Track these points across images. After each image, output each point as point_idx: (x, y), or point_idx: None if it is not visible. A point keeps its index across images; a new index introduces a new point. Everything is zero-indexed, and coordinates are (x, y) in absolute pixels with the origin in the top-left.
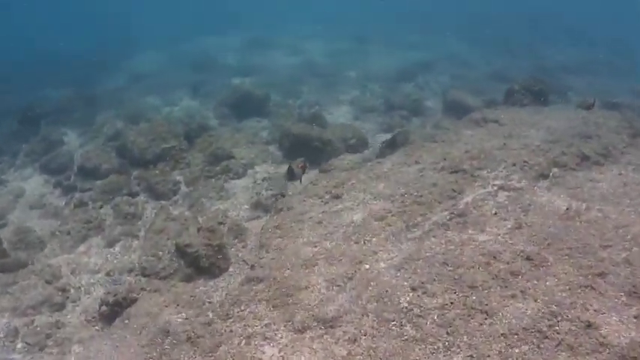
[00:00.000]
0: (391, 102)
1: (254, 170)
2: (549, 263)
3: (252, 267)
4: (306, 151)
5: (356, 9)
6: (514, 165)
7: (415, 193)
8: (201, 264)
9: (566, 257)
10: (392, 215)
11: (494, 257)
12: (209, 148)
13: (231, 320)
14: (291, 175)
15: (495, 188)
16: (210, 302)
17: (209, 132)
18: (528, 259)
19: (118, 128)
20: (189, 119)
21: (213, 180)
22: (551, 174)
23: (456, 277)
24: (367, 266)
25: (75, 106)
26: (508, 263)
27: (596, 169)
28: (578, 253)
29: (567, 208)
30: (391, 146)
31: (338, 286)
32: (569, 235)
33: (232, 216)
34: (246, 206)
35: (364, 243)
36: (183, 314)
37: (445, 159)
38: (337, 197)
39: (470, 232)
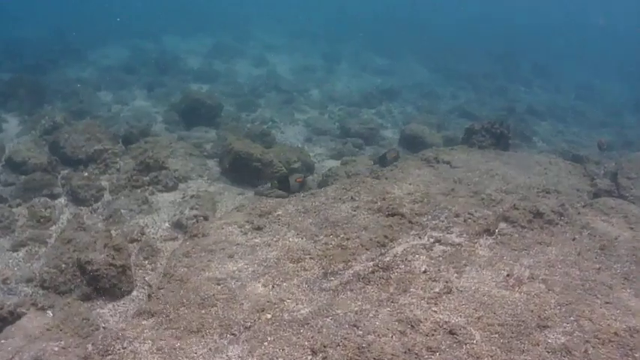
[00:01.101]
0: (347, 127)
1: (186, 185)
2: (475, 342)
3: (149, 297)
4: (246, 170)
5: (327, 26)
6: (457, 216)
7: (342, 235)
8: (101, 284)
9: (496, 336)
10: (310, 258)
11: (412, 326)
12: (142, 155)
13: (109, 357)
14: (285, 188)
15: (432, 240)
16: (105, 327)
17: (151, 137)
18: (451, 332)
19: (56, 121)
20: (135, 121)
21: (139, 191)
22: (497, 230)
23: (364, 344)
24: (269, 316)
25: (24, 93)
26: (427, 335)
27: (547, 230)
28: (510, 333)
29: (508, 275)
30: (381, 163)
31: (232, 334)
32: (504, 308)
33: (149, 233)
34: (167, 224)
35: (273, 287)
36: (63, 342)
37: (384, 198)
38: (258, 229)
39: (391, 290)
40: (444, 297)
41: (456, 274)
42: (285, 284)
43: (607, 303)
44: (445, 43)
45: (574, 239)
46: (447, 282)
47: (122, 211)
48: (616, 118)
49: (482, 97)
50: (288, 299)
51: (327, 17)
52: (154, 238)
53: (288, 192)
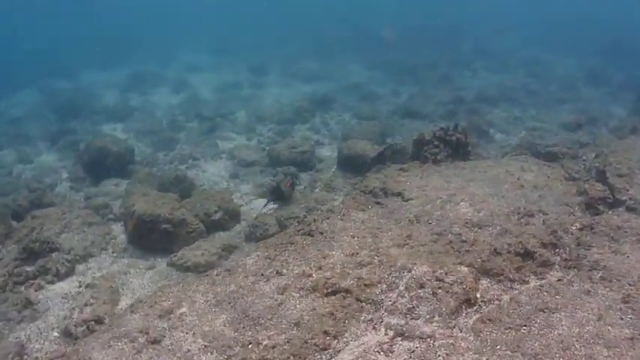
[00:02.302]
0: (277, 153)
1: (86, 265)
2: None
3: None
4: (155, 235)
5: (251, 33)
6: (422, 286)
7: (265, 342)
8: None
9: None
10: None
11: None
12: (27, 237)
13: None
14: (278, 196)
15: (391, 334)
16: None
17: (39, 210)
18: None
19: None
20: (37, 183)
21: (22, 288)
22: (479, 297)
23: None
24: None
25: None
26: None
27: (547, 283)
28: None
29: None
30: (380, 161)
31: None
32: None
33: (32, 350)
34: (56, 332)
35: None
36: None
37: (320, 267)
38: (155, 342)
39: None
40: None
41: None
42: None
43: None
44: (380, 35)
45: (588, 292)
46: None
47: None
48: (573, 93)
49: (426, 89)
50: None
51: (255, 25)
52: (37, 358)
53: (285, 201)
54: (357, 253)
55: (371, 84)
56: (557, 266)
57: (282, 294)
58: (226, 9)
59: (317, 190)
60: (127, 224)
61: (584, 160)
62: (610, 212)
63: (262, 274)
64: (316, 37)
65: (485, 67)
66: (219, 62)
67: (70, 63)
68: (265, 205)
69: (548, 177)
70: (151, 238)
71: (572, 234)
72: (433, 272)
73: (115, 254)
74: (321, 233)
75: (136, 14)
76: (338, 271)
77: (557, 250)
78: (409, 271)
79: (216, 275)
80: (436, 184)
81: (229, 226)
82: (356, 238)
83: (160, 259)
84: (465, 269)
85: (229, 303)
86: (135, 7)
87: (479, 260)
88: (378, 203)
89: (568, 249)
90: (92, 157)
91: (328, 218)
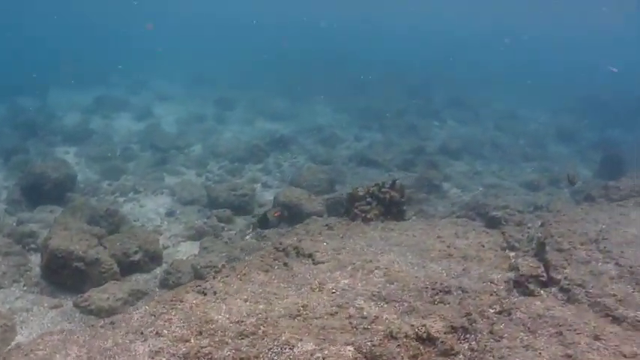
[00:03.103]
0: (216, 194)
1: None
2: None
3: None
4: (66, 272)
5: (233, 69)
6: None
7: None
8: None
9: None
10: None
11: None
12: None
13: None
14: (264, 225)
15: None
16: None
17: None
18: None
19: None
20: None
21: None
22: None
23: None
24: None
25: None
26: None
27: None
28: None
29: None
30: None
31: None
32: None
33: None
34: None
35: None
36: None
37: (200, 332)
38: None
39: None
40: None
41: None
42: None
43: None
44: (358, 80)
45: None
46: None
47: None
48: (540, 150)
49: (390, 137)
50: None
51: (235, 59)
52: None
53: (268, 228)
54: (244, 321)
55: (335, 127)
56: (461, 356)
57: (152, 359)
58: (212, 40)
59: (248, 237)
60: (42, 257)
61: (528, 229)
62: (538, 293)
63: (142, 333)
64: (293, 76)
65: (455, 117)
66: (189, 93)
67: (41, 81)
68: (251, 231)
69: (483, 246)
70: (63, 274)
71: (488, 318)
72: (314, 353)
73: (25, 287)
74: (215, 293)
75: (117, 37)
76: (217, 339)
77: (467, 336)
78: (291, 347)
79: (100, 327)
80: (354, 247)
81: (149, 268)
82: (248, 303)
83: (68, 298)
84: (349, 353)
85: None
86: (117, 30)
87: (369, 343)
88: (285, 264)
89: (479, 336)
90: (31, 181)
91: (227, 277)
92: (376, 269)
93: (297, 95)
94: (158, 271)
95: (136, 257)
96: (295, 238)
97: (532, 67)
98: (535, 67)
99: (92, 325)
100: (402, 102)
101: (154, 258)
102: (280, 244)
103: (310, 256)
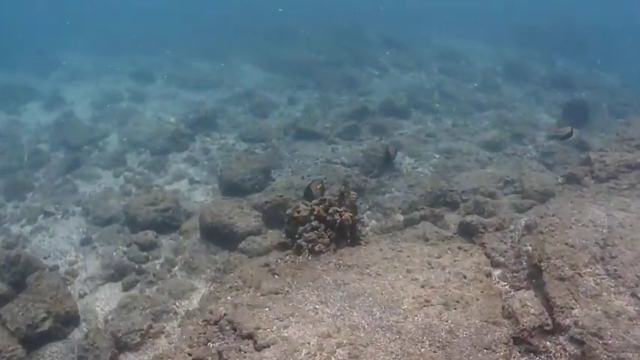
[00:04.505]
0: (134, 212)
1: None
2: None
3: None
4: None
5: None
6: None
7: None
8: None
9: None
10: None
11: None
12: None
13: None
14: (310, 198)
15: None
16: None
17: None
18: None
19: None
20: None
21: None
22: None
23: None
24: None
25: None
26: None
27: None
28: None
29: None
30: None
31: None
32: None
33: None
34: None
35: None
36: None
37: None
38: None
39: None
40: None
41: None
42: None
43: None
44: (282, 29)
45: None
46: None
47: None
48: (493, 95)
49: (327, 95)
50: None
51: (150, 20)
52: None
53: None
54: None
55: (266, 89)
56: None
57: None
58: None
59: (176, 268)
60: None
61: (511, 235)
62: (544, 348)
63: None
64: (214, 34)
65: (394, 62)
66: (104, 67)
67: None
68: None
69: (465, 277)
70: None
71: None
72: None
73: None
74: None
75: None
76: None
77: None
78: None
79: None
80: (306, 311)
81: (64, 333)
82: None
83: None
84: None
85: None
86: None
87: None
88: (220, 356)
89: None
90: None
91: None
92: (338, 348)
93: (220, 55)
94: (77, 334)
95: (46, 326)
96: (229, 298)
97: None
98: None
99: None
100: (334, 50)
101: (68, 320)
102: (211, 314)
103: (250, 336)
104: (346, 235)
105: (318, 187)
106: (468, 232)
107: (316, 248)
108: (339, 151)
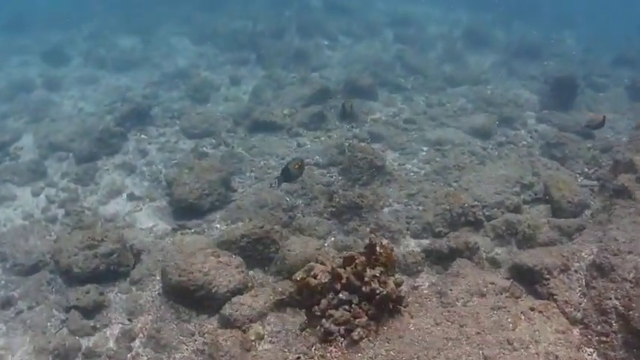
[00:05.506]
0: (66, 262)
1: None
2: None
3: None
4: None
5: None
6: None
7: None
8: None
9: None
10: None
11: None
12: None
13: None
14: (289, 179)
15: None
16: None
17: None
18: None
19: None
20: None
21: None
22: None
23: None
24: None
25: None
26: None
27: None
28: None
29: None
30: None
31: None
32: None
33: None
34: None
35: None
36: None
37: None
38: None
39: None
40: None
41: None
42: None
43: None
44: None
45: None
46: None
47: None
48: (458, 64)
49: (275, 72)
50: None
51: None
52: None
53: (292, 181)
54: None
55: (201, 67)
56: None
57: None
58: None
59: (137, 344)
60: None
61: (578, 277)
62: None
63: None
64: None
65: (343, 30)
66: (5, 46)
67: None
68: (277, 185)
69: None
70: None
71: None
72: None
73: None
74: None
75: None
76: None
77: None
78: None
79: None
80: None
81: None
82: None
83: None
84: None
85: None
86: None
87: None
88: None
89: None
90: None
91: None
92: None
93: (144, 27)
94: None
95: None
96: None
97: None
98: None
99: None
100: (273, 18)
101: None
102: None
103: None
104: (388, 307)
105: (296, 166)
106: (526, 277)
107: (354, 336)
108: (307, 146)
